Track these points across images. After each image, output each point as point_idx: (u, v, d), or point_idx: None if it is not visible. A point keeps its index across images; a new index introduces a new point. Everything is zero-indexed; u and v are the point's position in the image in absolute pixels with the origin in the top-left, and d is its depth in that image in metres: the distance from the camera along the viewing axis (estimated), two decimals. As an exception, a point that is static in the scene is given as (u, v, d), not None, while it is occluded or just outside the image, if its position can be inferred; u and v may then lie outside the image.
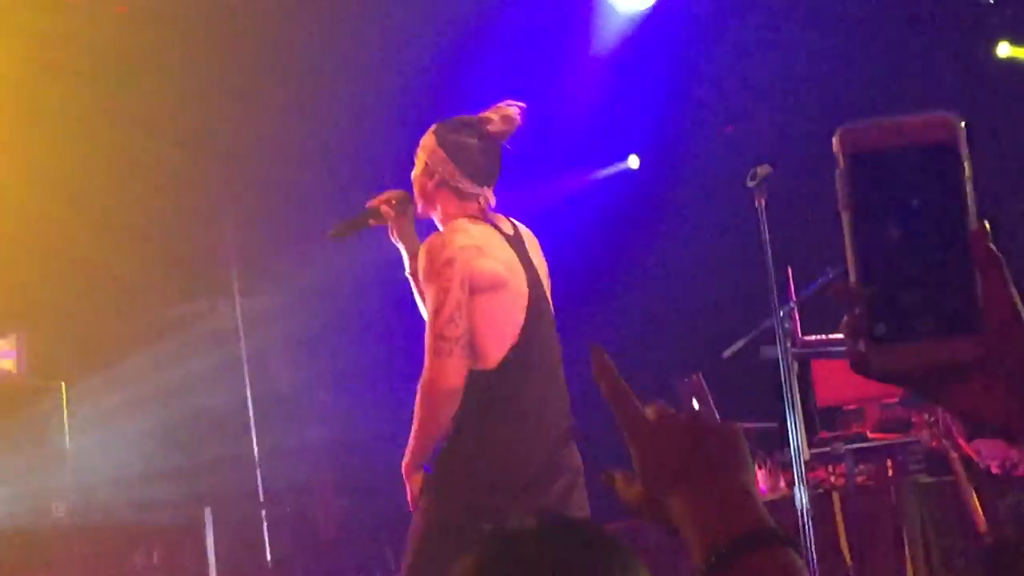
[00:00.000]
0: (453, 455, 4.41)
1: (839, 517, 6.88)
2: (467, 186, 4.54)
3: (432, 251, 4.39)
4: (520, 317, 4.49)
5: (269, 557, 8.57)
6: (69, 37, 7.69)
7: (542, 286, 4.64)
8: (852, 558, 6.81)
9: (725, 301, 8.33)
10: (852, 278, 1.18)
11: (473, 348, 4.39)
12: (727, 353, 6.78)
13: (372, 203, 4.72)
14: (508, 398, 4.42)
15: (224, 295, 8.85)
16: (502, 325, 4.45)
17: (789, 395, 5.51)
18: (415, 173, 4.61)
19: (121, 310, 8.71)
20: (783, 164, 5.67)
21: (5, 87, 7.93)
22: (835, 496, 6.97)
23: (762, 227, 5.53)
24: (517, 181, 4.89)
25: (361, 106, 8.43)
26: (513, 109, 4.57)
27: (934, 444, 6.77)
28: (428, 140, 4.58)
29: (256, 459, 8.69)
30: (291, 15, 8.16)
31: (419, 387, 4.36)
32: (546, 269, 4.72)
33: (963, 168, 1.18)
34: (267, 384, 9.04)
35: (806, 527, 5.47)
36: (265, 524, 8.63)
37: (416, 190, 4.63)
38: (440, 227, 4.55)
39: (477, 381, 4.39)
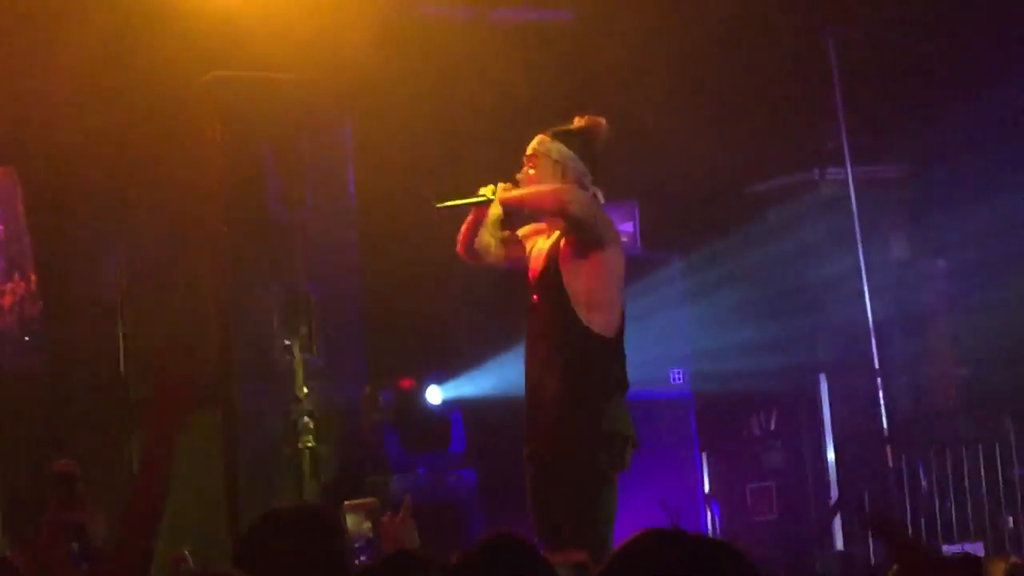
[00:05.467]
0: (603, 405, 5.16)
1: None
2: (589, 183, 5.20)
3: (594, 205, 5.20)
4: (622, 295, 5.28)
5: (885, 424, 8.52)
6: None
7: None
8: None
9: None
10: None
11: (604, 313, 5.14)
12: None
13: (484, 189, 5.24)
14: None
15: (834, 164, 8.79)
16: (618, 303, 5.19)
17: None
18: (537, 173, 5.18)
19: (728, 182, 8.86)
20: None
21: None
22: None
23: None
24: None
25: None
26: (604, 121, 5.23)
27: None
28: (553, 144, 5.16)
29: (871, 326, 8.61)
30: None
31: (550, 194, 5.12)
32: None
33: None
34: (881, 251, 8.93)
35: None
36: (881, 392, 8.57)
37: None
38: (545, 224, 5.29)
39: (606, 347, 5.15)
